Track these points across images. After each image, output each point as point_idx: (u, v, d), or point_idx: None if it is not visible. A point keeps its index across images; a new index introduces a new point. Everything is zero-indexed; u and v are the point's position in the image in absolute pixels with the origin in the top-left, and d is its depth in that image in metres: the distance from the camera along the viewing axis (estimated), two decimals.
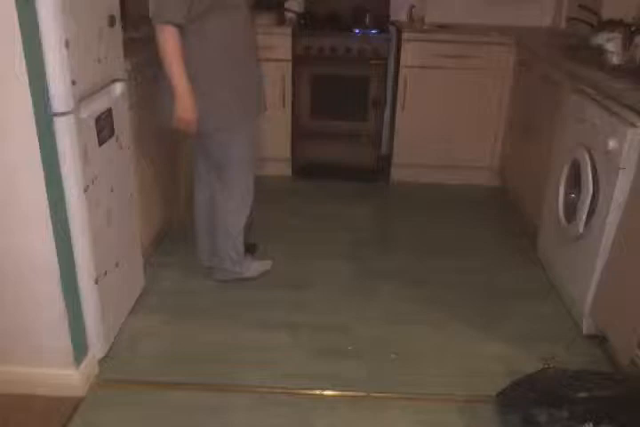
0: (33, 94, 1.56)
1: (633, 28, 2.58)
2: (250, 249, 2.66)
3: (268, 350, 2.15)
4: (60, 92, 1.65)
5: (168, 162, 2.83)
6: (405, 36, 3.38)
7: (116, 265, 2.11)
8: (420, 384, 2.00)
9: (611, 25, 2.70)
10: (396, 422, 1.84)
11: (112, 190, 2.04)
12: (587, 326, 2.25)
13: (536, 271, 2.71)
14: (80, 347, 1.92)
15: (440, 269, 2.72)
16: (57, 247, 1.73)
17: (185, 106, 2.10)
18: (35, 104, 1.57)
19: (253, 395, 1.94)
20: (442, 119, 3.54)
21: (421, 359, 2.12)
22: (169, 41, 2.02)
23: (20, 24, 1.49)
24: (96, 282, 1.94)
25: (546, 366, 1.80)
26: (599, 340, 2.18)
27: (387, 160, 3.72)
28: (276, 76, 3.41)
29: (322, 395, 1.95)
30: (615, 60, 2.40)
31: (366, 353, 2.15)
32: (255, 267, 2.60)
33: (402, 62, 3.42)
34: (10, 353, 1.87)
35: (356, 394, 1.96)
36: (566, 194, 2.44)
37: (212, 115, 2.18)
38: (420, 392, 1.96)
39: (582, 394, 1.63)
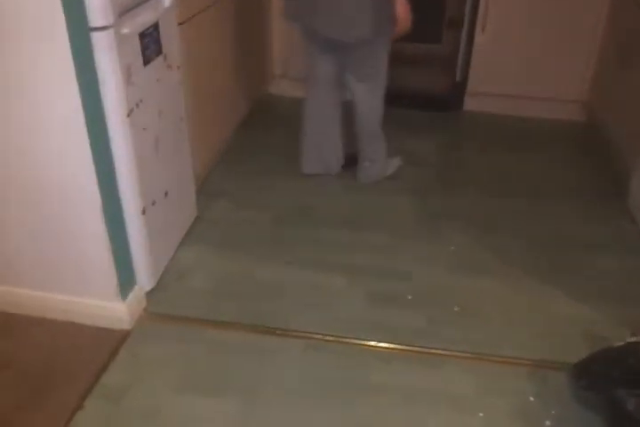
0: (65, 5, 1.36)
1: None
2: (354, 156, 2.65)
3: (322, 293, 2.01)
4: (97, 2, 1.44)
5: (223, 82, 2.62)
6: None
7: (166, 195, 1.99)
8: (484, 343, 1.82)
9: None
10: (456, 383, 1.69)
11: (160, 114, 1.87)
12: None
13: (624, 222, 2.41)
14: (127, 279, 1.86)
15: (512, 213, 2.47)
16: (98, 176, 1.60)
17: (407, 8, 2.17)
18: (68, 17, 1.37)
19: (303, 340, 1.83)
20: (526, 43, 3.14)
21: (487, 315, 1.94)
22: None
23: None
24: (143, 213, 1.82)
25: (634, 337, 1.57)
26: None
27: (460, 88, 3.37)
28: None
29: (376, 347, 1.82)
30: None
31: (427, 304, 1.98)
32: (393, 163, 2.67)
33: None
34: (58, 281, 1.82)
35: (413, 349, 1.81)
36: None
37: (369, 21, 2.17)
38: (484, 352, 1.79)
39: None
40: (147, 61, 1.71)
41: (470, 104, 3.38)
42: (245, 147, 2.91)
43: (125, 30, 1.56)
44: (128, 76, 1.60)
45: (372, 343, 1.82)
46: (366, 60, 2.36)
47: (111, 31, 1.49)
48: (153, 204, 1.89)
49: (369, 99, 2.45)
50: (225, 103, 2.68)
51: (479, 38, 3.18)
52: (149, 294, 1.96)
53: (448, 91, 3.33)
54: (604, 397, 1.43)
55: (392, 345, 1.82)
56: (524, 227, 2.39)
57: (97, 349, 1.78)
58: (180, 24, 1.99)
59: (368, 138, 2.55)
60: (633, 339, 1.56)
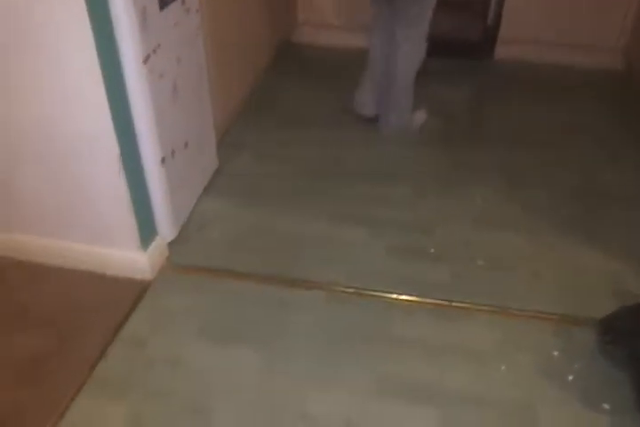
0: None
1: None
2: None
3: (345, 246, 1.98)
4: None
5: (244, 28, 2.53)
6: None
7: (186, 145, 1.95)
8: (509, 297, 1.79)
9: None
10: (480, 337, 1.67)
11: (179, 61, 1.81)
12: None
13: None
14: (148, 230, 1.84)
15: (542, 166, 2.39)
16: (115, 125, 1.56)
17: None
18: None
19: (324, 292, 1.82)
20: None
21: (512, 269, 1.90)
22: None
23: None
24: (162, 162, 1.79)
25: None
26: None
27: (492, 33, 3.23)
28: None
29: (398, 299, 1.80)
30: None
31: (450, 257, 1.94)
32: (418, 117, 2.64)
33: None
34: (78, 230, 1.82)
35: (436, 302, 1.79)
36: None
37: None
38: (509, 306, 1.76)
39: None
40: (163, 5, 1.64)
41: (502, 52, 3.25)
42: (268, 97, 2.84)
43: None
44: (143, 19, 1.53)
45: (394, 296, 1.81)
46: (417, 14, 2.38)
47: None
48: (172, 154, 1.85)
49: (409, 48, 2.44)
50: (246, 50, 2.60)
51: None
52: (171, 245, 1.95)
53: (479, 36, 3.19)
54: (628, 352, 1.41)
55: (414, 298, 1.80)
56: (553, 179, 2.32)
57: (118, 298, 1.79)
58: None
59: (400, 89, 2.51)
60: None
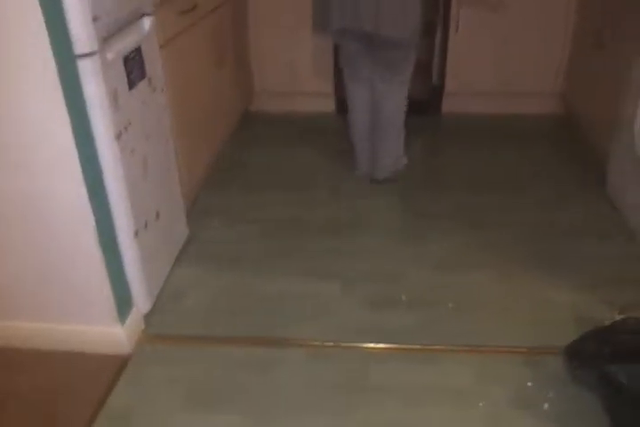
0: (51, 34, 1.41)
1: None
2: None
3: (318, 301, 2.05)
4: (80, 30, 1.49)
5: (207, 101, 2.68)
6: None
7: (157, 216, 2.02)
8: (480, 335, 1.88)
9: None
10: (456, 376, 1.74)
11: (148, 137, 1.91)
12: None
13: (606, 208, 2.49)
14: (124, 302, 1.87)
15: (497, 207, 2.54)
16: (91, 200, 1.63)
17: None
18: (54, 46, 1.42)
19: (303, 349, 1.86)
20: (499, 40, 3.21)
21: (481, 308, 1.99)
22: None
23: None
24: (136, 234, 1.85)
25: (621, 315, 1.64)
26: None
27: (438, 90, 3.46)
28: None
29: (376, 348, 1.86)
30: None
31: (421, 303, 2.03)
32: (403, 160, 2.81)
33: None
34: (55, 311, 1.83)
35: (411, 347, 1.85)
36: None
37: (414, 23, 2.38)
38: (480, 344, 1.85)
39: None
40: (132, 85, 1.76)
41: (449, 105, 3.45)
42: (232, 164, 2.97)
43: (110, 55, 1.61)
44: (115, 100, 1.65)
45: (371, 345, 1.86)
46: (402, 59, 2.53)
47: (96, 57, 1.54)
48: (145, 226, 1.92)
49: (398, 96, 2.60)
50: (210, 122, 2.73)
51: (453, 39, 3.25)
52: (147, 316, 1.98)
53: (426, 94, 3.39)
54: (597, 374, 1.49)
55: (390, 345, 1.86)
56: (509, 220, 2.46)
57: (99, 375, 1.78)
58: (161, 47, 2.04)
59: (394, 134, 2.68)
60: (621, 317, 1.62)
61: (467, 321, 1.94)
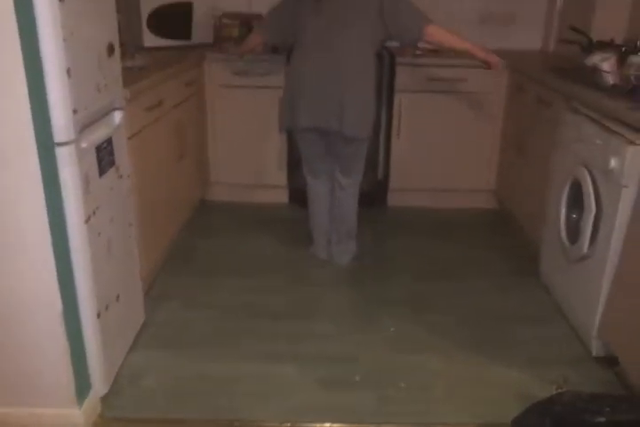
0: (36, 124, 1.54)
1: (624, 49, 2.61)
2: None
3: (274, 383, 2.09)
4: (61, 121, 1.62)
5: (167, 189, 2.80)
6: (399, 60, 3.41)
7: (117, 298, 2.07)
8: (431, 413, 1.95)
9: (602, 46, 2.73)
10: None
11: (112, 220, 2.00)
12: (596, 348, 2.22)
13: (540, 294, 2.68)
14: (82, 385, 1.87)
15: (442, 294, 2.69)
16: (59, 281, 1.68)
17: (489, 51, 2.69)
18: (37, 134, 1.55)
19: None
20: (437, 143, 3.55)
21: (431, 388, 2.08)
22: (445, 31, 2.59)
23: (23, 52, 1.47)
24: (98, 316, 1.89)
25: (558, 390, 1.76)
26: (610, 362, 2.15)
27: (383, 185, 3.71)
28: (273, 103, 3.42)
29: None
30: (611, 79, 2.41)
31: (375, 383, 2.10)
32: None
33: (396, 87, 3.44)
34: (11, 394, 1.81)
35: (365, 426, 1.90)
36: (568, 214, 2.44)
37: (371, 121, 2.69)
38: (431, 422, 1.92)
39: (600, 419, 1.59)
40: (102, 172, 1.88)
41: (393, 199, 3.69)
42: (188, 250, 3.05)
43: (84, 145, 1.73)
44: (86, 185, 1.75)
45: (327, 425, 1.90)
46: (357, 154, 2.79)
47: (72, 146, 1.66)
48: (107, 307, 1.95)
49: (353, 187, 2.87)
50: (167, 209, 2.84)
51: (395, 142, 3.56)
52: (104, 399, 1.97)
53: (372, 189, 3.61)
54: None
55: (346, 425, 1.91)
56: (452, 305, 2.61)
57: None
58: (129, 138, 2.18)
59: (350, 218, 2.90)
60: (558, 390, 1.74)
61: (418, 400, 2.01)
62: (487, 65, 2.73)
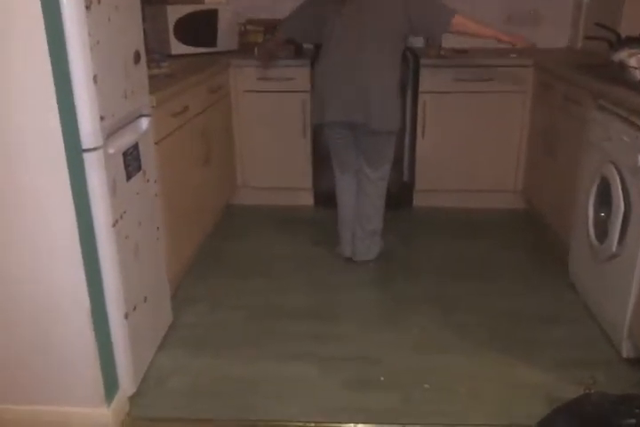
0: (64, 131, 1.58)
1: None
2: None
3: (298, 383, 2.10)
4: (89, 128, 1.66)
5: (193, 193, 2.85)
6: (423, 62, 3.41)
7: (145, 300, 2.11)
8: (455, 415, 1.94)
9: (630, 42, 2.68)
10: None
11: (140, 224, 2.04)
12: (626, 349, 2.18)
13: (569, 294, 2.64)
14: (111, 384, 1.91)
15: (469, 294, 2.68)
16: (88, 282, 1.73)
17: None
18: (66, 141, 1.59)
19: None
20: (463, 144, 3.53)
21: (456, 389, 2.06)
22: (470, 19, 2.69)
23: (52, 60, 1.52)
24: (126, 317, 1.93)
25: (587, 391, 1.73)
26: None
27: (409, 186, 3.71)
28: (297, 107, 3.45)
29: None
30: (638, 75, 2.37)
31: (399, 384, 2.09)
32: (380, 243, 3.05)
33: (420, 88, 3.43)
34: (41, 393, 1.86)
35: (390, 426, 1.90)
36: (596, 213, 2.40)
37: (399, 116, 2.76)
38: (456, 423, 1.90)
39: (630, 420, 1.57)
40: (129, 177, 1.92)
41: (419, 200, 3.68)
42: (214, 253, 3.09)
43: (111, 150, 1.78)
44: (114, 190, 1.79)
45: (351, 425, 1.91)
46: (384, 148, 2.83)
47: (100, 151, 1.70)
48: (134, 309, 1.99)
49: (380, 182, 2.90)
50: (194, 213, 2.89)
51: (420, 143, 3.55)
52: (131, 399, 2.01)
53: (398, 190, 3.62)
54: None
55: (369, 426, 1.91)
56: (478, 305, 2.58)
57: None
58: (155, 143, 2.23)
59: (376, 215, 2.93)
60: (586, 391, 1.72)
61: (442, 401, 2.00)
62: (514, 44, 2.81)
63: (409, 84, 3.46)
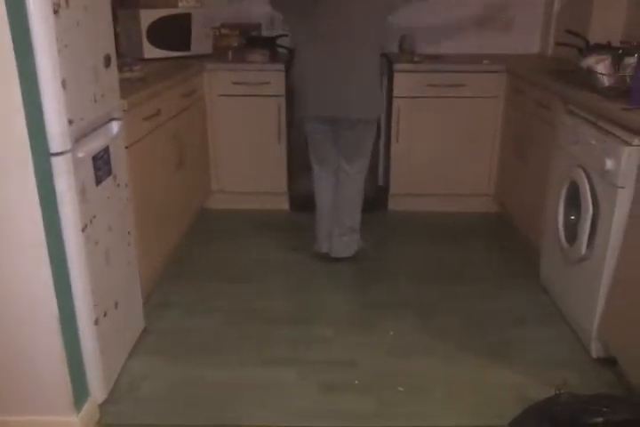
0: (31, 134, 1.56)
1: (621, 51, 2.61)
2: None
3: (274, 388, 2.10)
4: (56, 131, 1.65)
5: (166, 198, 2.83)
6: (397, 67, 3.43)
7: (116, 305, 2.08)
8: (429, 417, 1.95)
9: (598, 48, 2.74)
10: None
11: (110, 229, 2.02)
12: (596, 350, 2.21)
13: (540, 296, 2.68)
14: (80, 392, 1.88)
15: (442, 297, 2.69)
16: (56, 288, 1.70)
17: None
18: (32, 144, 1.57)
19: None
20: (437, 148, 3.55)
21: (429, 391, 2.07)
22: None
23: (18, 64, 1.50)
24: (96, 323, 1.90)
25: (558, 391, 1.75)
26: (609, 363, 2.14)
27: (384, 190, 3.73)
28: (272, 111, 3.45)
29: None
30: (606, 81, 2.42)
31: (374, 387, 2.10)
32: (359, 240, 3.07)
33: (394, 93, 3.46)
34: (9, 402, 1.82)
35: None
36: (566, 216, 2.44)
37: (381, 104, 2.85)
38: (430, 425, 1.91)
39: (599, 419, 1.59)
40: (99, 181, 1.90)
41: (394, 204, 3.70)
42: (188, 257, 3.07)
43: (80, 154, 1.76)
44: (83, 194, 1.77)
45: None
46: (361, 141, 2.87)
47: (68, 155, 1.68)
48: (105, 315, 1.97)
49: (359, 176, 2.93)
50: (167, 217, 2.86)
51: (395, 147, 3.58)
52: (102, 406, 1.98)
53: (373, 194, 3.62)
54: None
55: None
56: (452, 308, 2.60)
57: None
58: (126, 147, 2.21)
59: (355, 211, 2.96)
60: (557, 392, 1.74)
61: (416, 404, 2.01)
62: None
63: (383, 89, 3.48)
